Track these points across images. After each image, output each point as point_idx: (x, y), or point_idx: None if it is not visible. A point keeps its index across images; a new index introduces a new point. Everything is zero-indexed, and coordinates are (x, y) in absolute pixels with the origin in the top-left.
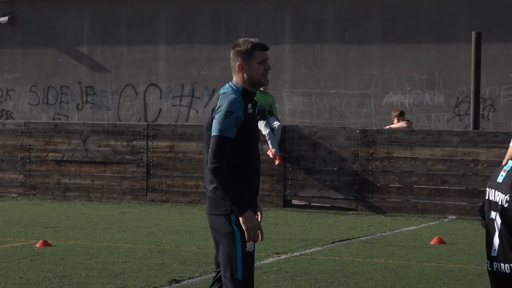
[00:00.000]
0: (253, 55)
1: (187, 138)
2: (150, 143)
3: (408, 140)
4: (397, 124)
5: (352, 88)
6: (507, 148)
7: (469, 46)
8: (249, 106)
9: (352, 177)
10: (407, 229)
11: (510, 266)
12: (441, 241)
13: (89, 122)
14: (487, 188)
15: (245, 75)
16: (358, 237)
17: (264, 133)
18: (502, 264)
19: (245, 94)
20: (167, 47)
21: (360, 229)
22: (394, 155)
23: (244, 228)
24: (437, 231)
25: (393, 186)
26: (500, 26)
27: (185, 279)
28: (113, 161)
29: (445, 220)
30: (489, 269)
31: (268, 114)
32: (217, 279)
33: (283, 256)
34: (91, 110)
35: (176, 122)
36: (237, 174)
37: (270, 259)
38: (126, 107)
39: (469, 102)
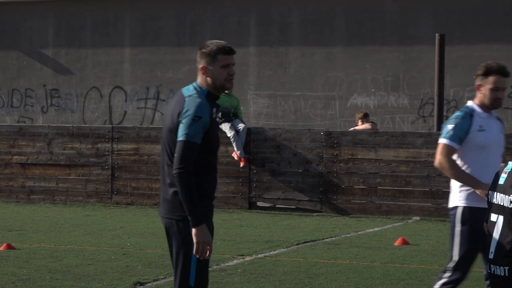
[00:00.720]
0: (217, 59)
1: (152, 140)
2: (115, 145)
3: (373, 141)
4: (361, 126)
5: (317, 90)
6: None
7: (433, 48)
8: (214, 110)
9: (316, 178)
10: (371, 230)
11: (505, 269)
12: (405, 242)
13: (54, 125)
14: (489, 192)
15: (208, 78)
16: (323, 239)
17: (229, 135)
18: (498, 267)
19: (210, 97)
20: (132, 50)
21: (324, 231)
22: (359, 157)
23: (194, 240)
24: (401, 232)
25: (357, 188)
26: (463, 28)
27: (150, 282)
28: (77, 163)
29: (409, 221)
30: (488, 271)
31: (233, 116)
32: None
33: (247, 258)
34: (56, 113)
35: (141, 125)
36: (198, 178)
37: (235, 261)
38: (91, 110)
39: (433, 104)
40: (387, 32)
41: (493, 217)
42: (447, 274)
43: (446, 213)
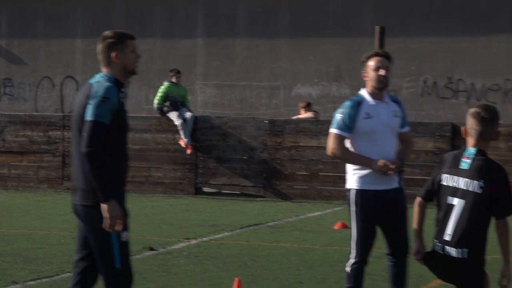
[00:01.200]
0: (126, 44)
1: None
2: (66, 133)
3: (315, 129)
4: (304, 115)
5: (262, 80)
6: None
7: (373, 40)
8: (121, 95)
9: (260, 165)
10: (312, 214)
11: (462, 251)
12: (344, 226)
13: (6, 113)
14: (443, 175)
15: (119, 65)
16: (266, 223)
17: (176, 123)
18: (454, 249)
19: (117, 83)
20: (84, 41)
21: (267, 215)
22: (301, 144)
23: (105, 215)
24: (340, 216)
25: (299, 174)
26: (403, 22)
27: None
28: (29, 151)
29: None
30: (440, 252)
31: (180, 105)
32: (81, 272)
33: (193, 241)
34: (8, 102)
35: None
36: (108, 162)
37: (181, 244)
38: (43, 99)
39: None
40: (330, 25)
41: (453, 200)
42: (352, 254)
43: None
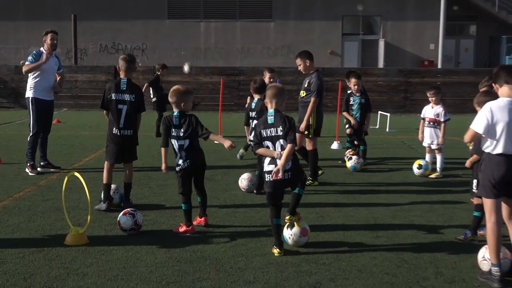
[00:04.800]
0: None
1: None
2: None
3: None
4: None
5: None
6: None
7: (71, 22)
8: None
9: None
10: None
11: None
12: None
13: None
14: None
15: None
16: None
17: None
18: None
19: None
20: None
21: None
22: None
23: None
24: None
25: None
26: (90, 11)
27: None
28: None
29: None
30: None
31: None
32: None
33: None
34: None
35: None
36: None
37: None
38: None
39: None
40: (51, 10)
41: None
42: (33, 129)
43: None
